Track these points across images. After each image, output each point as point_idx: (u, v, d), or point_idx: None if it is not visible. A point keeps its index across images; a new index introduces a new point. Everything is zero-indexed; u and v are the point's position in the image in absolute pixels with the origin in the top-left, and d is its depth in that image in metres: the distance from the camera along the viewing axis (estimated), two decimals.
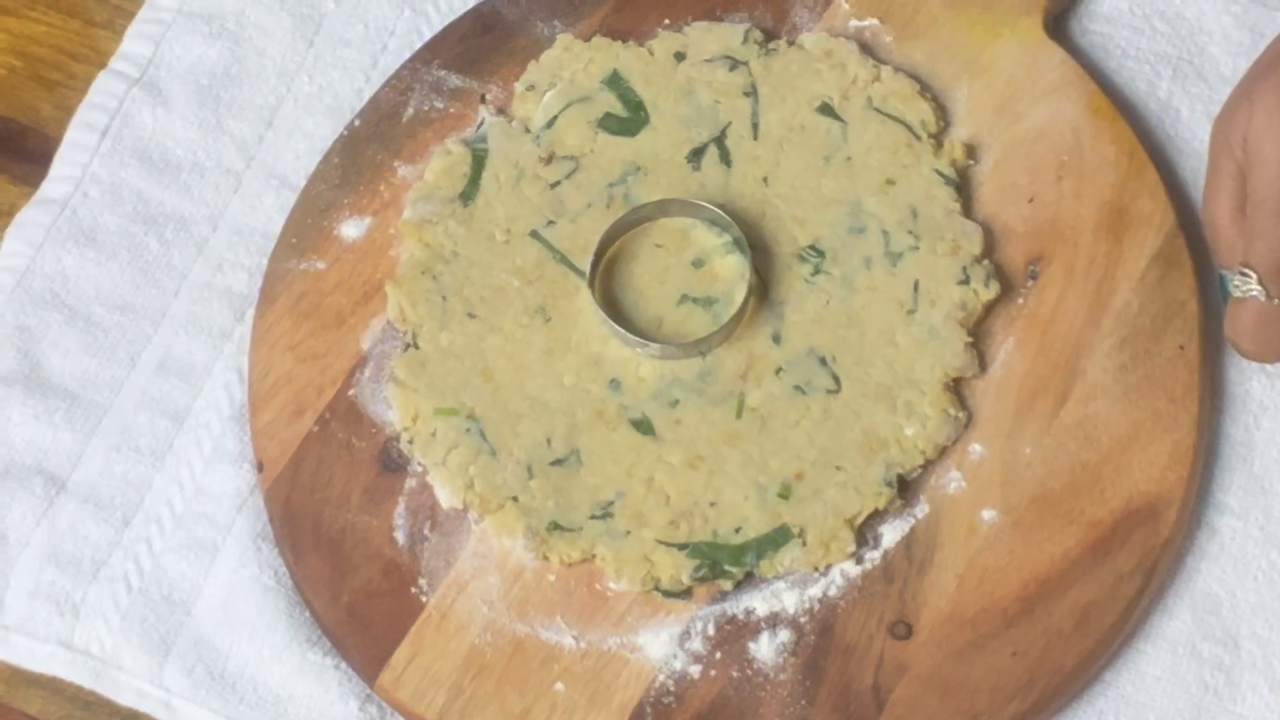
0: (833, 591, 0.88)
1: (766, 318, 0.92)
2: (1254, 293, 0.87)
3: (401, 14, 1.03)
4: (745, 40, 0.97)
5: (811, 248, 0.93)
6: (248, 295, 0.97)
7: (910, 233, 0.93)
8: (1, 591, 0.92)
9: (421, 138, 0.98)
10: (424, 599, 0.89)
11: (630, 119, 0.97)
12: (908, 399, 0.90)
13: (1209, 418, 0.91)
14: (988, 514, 0.89)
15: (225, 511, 0.93)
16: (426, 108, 0.99)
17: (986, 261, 0.93)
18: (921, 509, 0.89)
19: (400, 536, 0.91)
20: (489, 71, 0.99)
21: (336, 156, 0.98)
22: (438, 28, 1.02)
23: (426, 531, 0.91)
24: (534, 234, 0.95)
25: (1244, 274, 0.87)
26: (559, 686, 0.87)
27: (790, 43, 0.98)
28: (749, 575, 0.89)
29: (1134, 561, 0.87)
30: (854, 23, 0.99)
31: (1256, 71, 0.89)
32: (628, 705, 0.87)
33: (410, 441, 0.92)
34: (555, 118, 0.97)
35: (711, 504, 0.89)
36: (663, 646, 0.88)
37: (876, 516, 0.89)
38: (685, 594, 0.89)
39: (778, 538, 0.88)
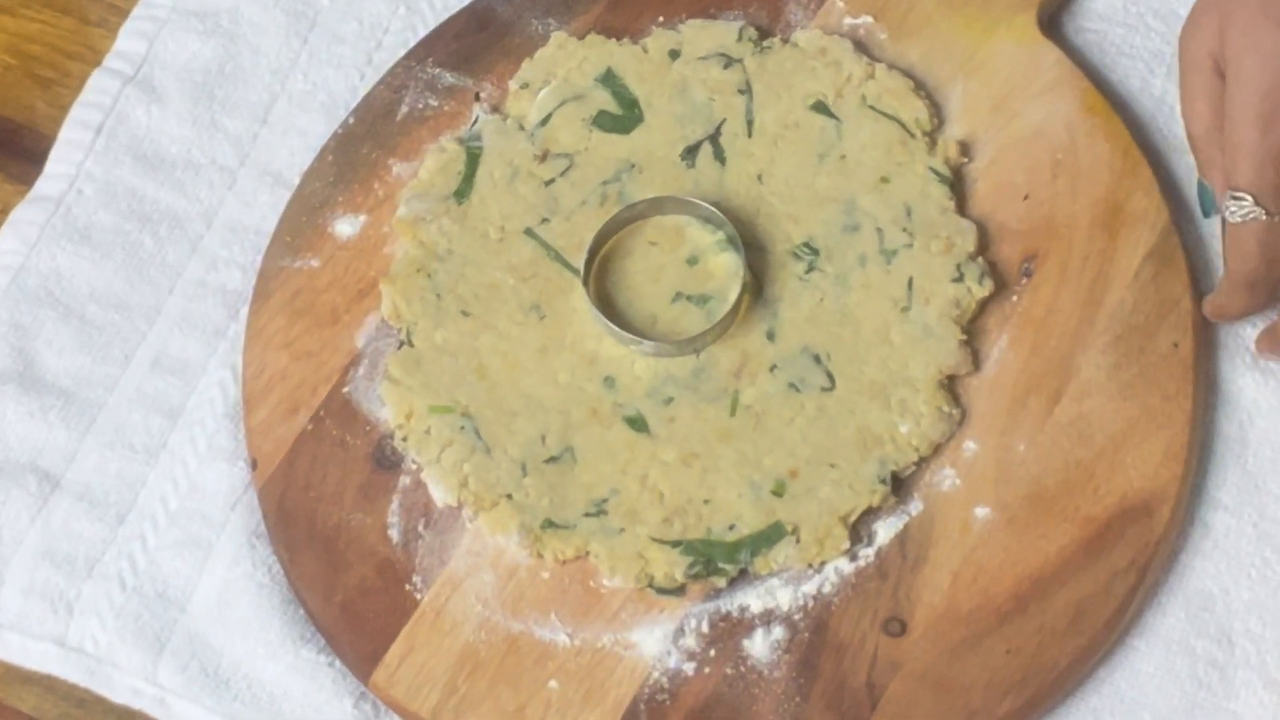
0: (827, 589, 0.88)
1: (761, 315, 0.92)
2: (1253, 215, 0.85)
3: (396, 11, 1.03)
4: (740, 38, 0.97)
5: (806, 245, 0.93)
6: (242, 293, 0.97)
7: (904, 230, 0.93)
8: None
9: (416, 135, 0.98)
10: (418, 596, 0.89)
11: (625, 116, 0.97)
12: (902, 396, 0.90)
13: (1203, 415, 0.91)
14: (981, 511, 0.89)
15: (219, 509, 0.93)
16: (421, 105, 0.99)
17: (981, 259, 0.93)
18: (916, 506, 0.89)
19: (394, 534, 0.91)
20: (483, 69, 0.99)
21: (331, 154, 0.98)
22: (432, 25, 1.02)
23: (421, 529, 0.91)
24: (528, 232, 0.95)
25: (1237, 198, 0.85)
26: (553, 684, 0.87)
27: (785, 40, 0.98)
28: (743, 572, 0.89)
29: (1128, 558, 0.87)
30: (848, 20, 0.99)
31: None
32: (622, 702, 0.87)
33: (404, 439, 0.92)
34: (550, 115, 0.97)
35: (705, 501, 0.89)
36: (657, 644, 0.88)
37: (871, 514, 0.89)
38: (679, 591, 0.88)
39: (772, 535, 0.88)
